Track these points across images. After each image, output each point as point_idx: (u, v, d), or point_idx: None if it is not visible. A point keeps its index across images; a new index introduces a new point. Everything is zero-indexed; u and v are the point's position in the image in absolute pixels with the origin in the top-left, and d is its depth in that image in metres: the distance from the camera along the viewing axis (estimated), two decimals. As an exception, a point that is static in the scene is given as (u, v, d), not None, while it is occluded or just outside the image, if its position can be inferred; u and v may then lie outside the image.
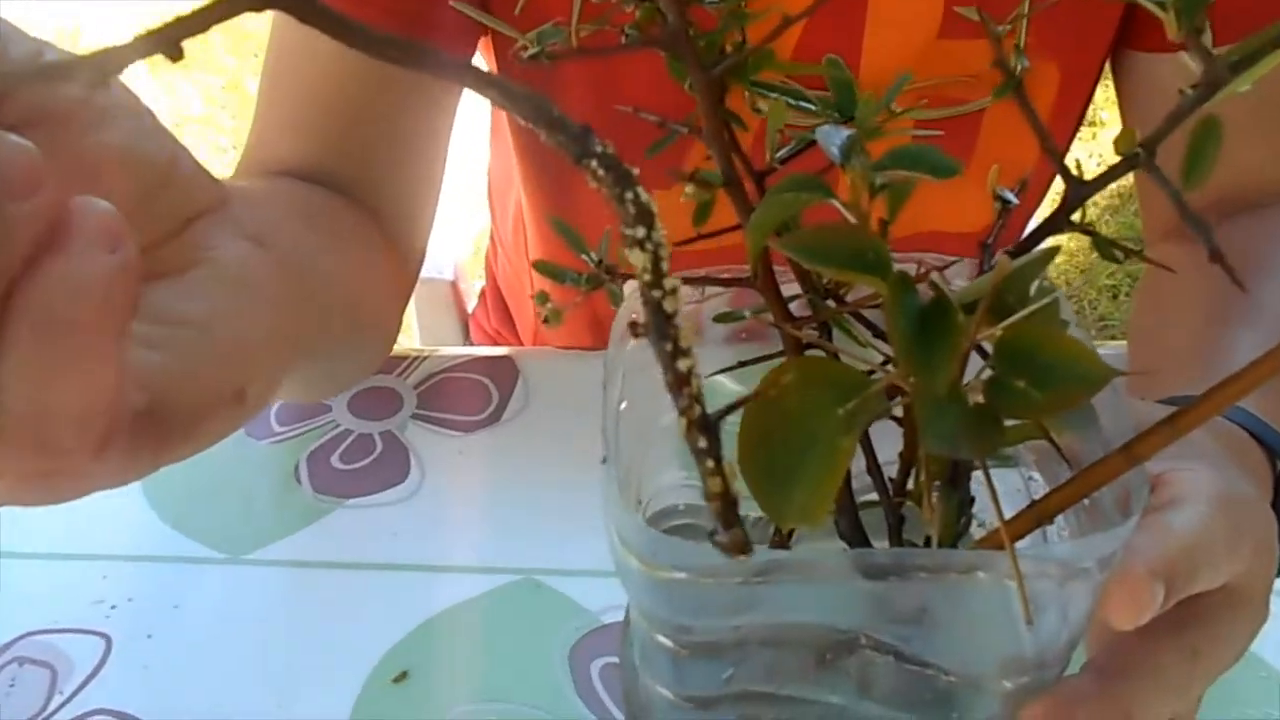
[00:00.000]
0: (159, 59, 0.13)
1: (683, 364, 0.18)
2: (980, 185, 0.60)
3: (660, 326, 0.17)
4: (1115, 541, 0.22)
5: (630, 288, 0.32)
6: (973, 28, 0.54)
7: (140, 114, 0.27)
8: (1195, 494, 0.27)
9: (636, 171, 0.17)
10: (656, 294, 0.17)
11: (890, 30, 0.52)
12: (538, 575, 0.47)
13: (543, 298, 0.28)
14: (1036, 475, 0.31)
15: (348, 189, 0.52)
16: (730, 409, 0.18)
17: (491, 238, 0.82)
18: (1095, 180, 0.24)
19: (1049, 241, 0.24)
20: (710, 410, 0.19)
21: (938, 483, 0.29)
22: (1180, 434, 0.21)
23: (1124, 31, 0.56)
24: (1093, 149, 1.88)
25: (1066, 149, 0.60)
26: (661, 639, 0.26)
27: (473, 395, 0.57)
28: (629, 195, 0.16)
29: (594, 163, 0.16)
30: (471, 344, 0.85)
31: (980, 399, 0.21)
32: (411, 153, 0.55)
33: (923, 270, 0.26)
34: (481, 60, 0.61)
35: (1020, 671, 0.25)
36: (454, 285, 0.85)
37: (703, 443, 0.18)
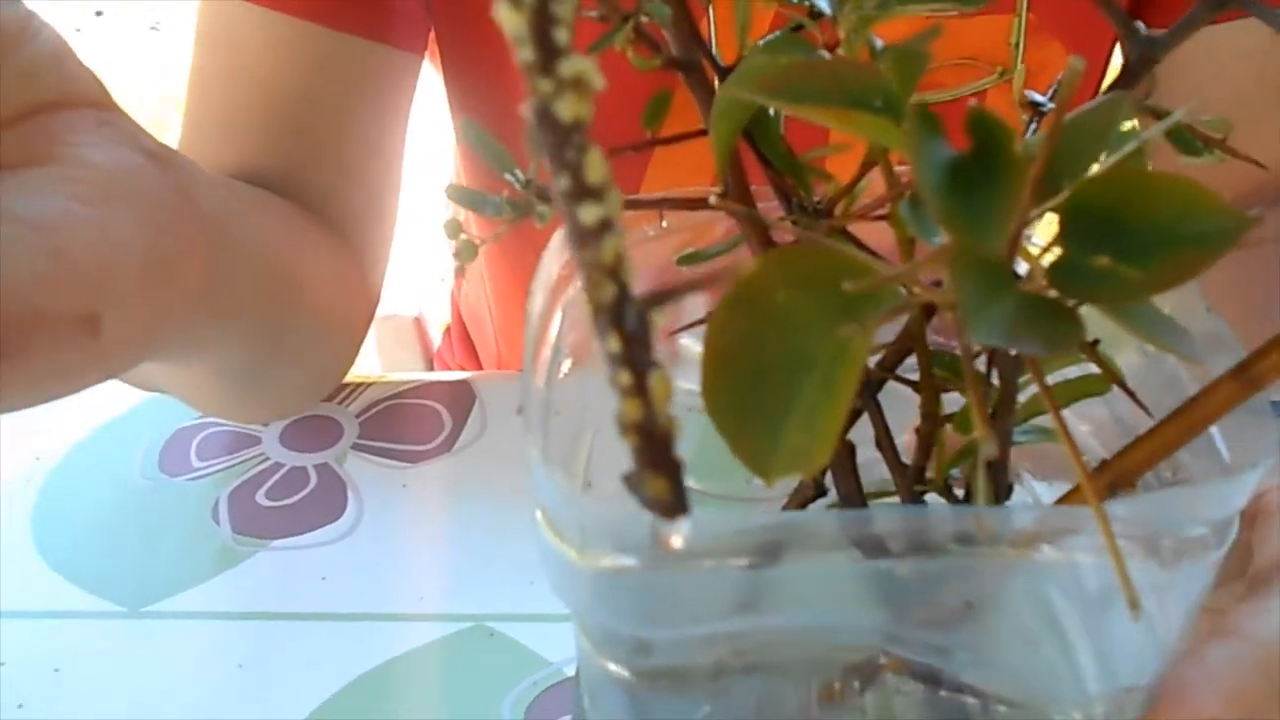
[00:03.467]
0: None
1: (590, 212, 0.11)
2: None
3: (553, 145, 0.10)
4: (1239, 496, 0.15)
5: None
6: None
7: None
8: None
9: None
10: (545, 88, 0.10)
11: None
12: (491, 621, 0.40)
13: (454, 228, 0.22)
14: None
15: (296, 197, 0.47)
16: (668, 295, 0.12)
17: (456, 270, 0.76)
18: (1169, 33, 0.18)
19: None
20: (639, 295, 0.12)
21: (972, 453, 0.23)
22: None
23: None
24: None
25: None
26: (614, 668, 0.19)
27: (422, 422, 0.50)
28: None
29: None
30: (436, 384, 0.79)
31: (1042, 288, 0.14)
32: (362, 158, 0.49)
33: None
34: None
35: (1099, 699, 0.19)
36: (418, 322, 0.79)
37: (616, 344, 0.11)
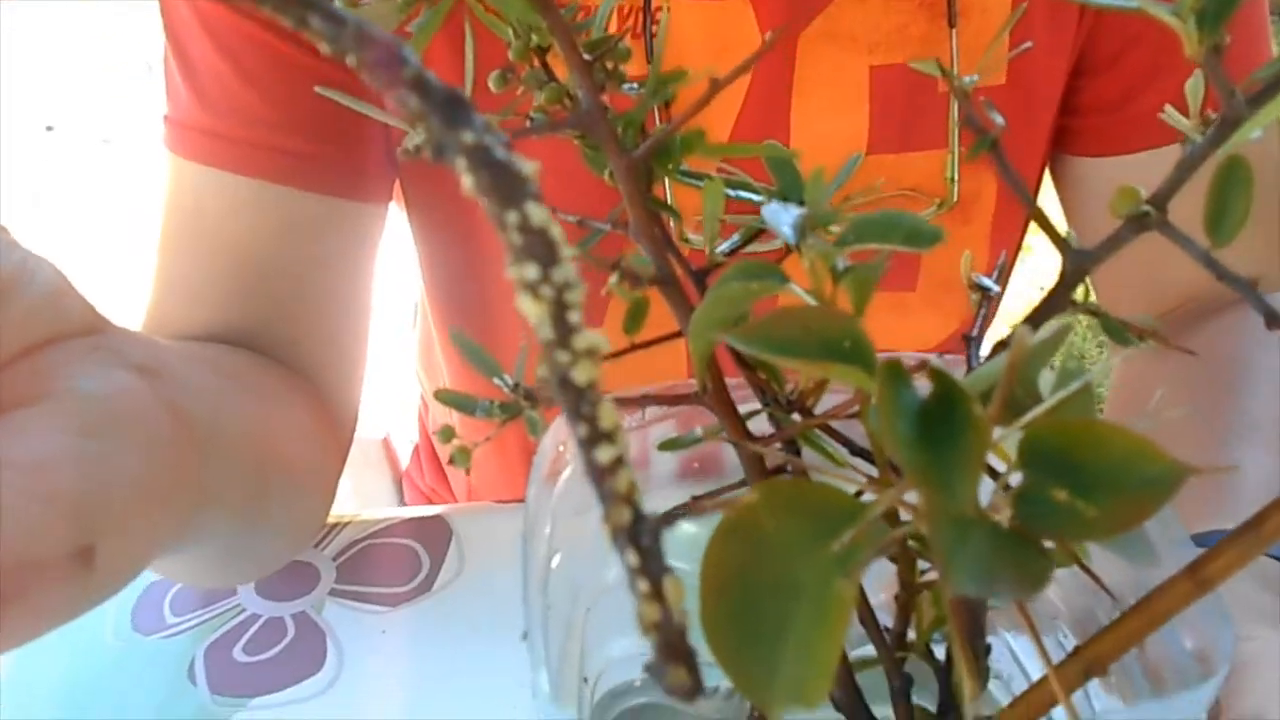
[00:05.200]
0: None
1: (605, 452, 0.13)
2: (929, 304, 0.58)
3: (571, 403, 0.12)
4: (1204, 701, 0.17)
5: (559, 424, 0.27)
6: (900, 141, 0.52)
7: None
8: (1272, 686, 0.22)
9: (533, 169, 0.12)
10: (563, 359, 0.12)
11: (816, 148, 0.50)
12: (478, 774, 0.40)
13: (447, 434, 0.23)
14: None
15: (266, 351, 0.47)
16: (676, 514, 0.13)
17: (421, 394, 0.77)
18: (1098, 248, 0.20)
19: (1056, 321, 0.20)
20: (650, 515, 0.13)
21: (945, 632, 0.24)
22: (1266, 542, 0.16)
23: (1059, 138, 0.54)
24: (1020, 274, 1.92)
25: (1010, 268, 0.58)
26: None
27: (399, 563, 0.50)
28: (512, 215, 0.12)
29: (458, 151, 0.12)
30: (405, 504, 0.78)
31: (1009, 519, 0.16)
32: (331, 307, 0.50)
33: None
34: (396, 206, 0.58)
35: None
36: (385, 443, 0.79)
37: (634, 559, 0.13)
